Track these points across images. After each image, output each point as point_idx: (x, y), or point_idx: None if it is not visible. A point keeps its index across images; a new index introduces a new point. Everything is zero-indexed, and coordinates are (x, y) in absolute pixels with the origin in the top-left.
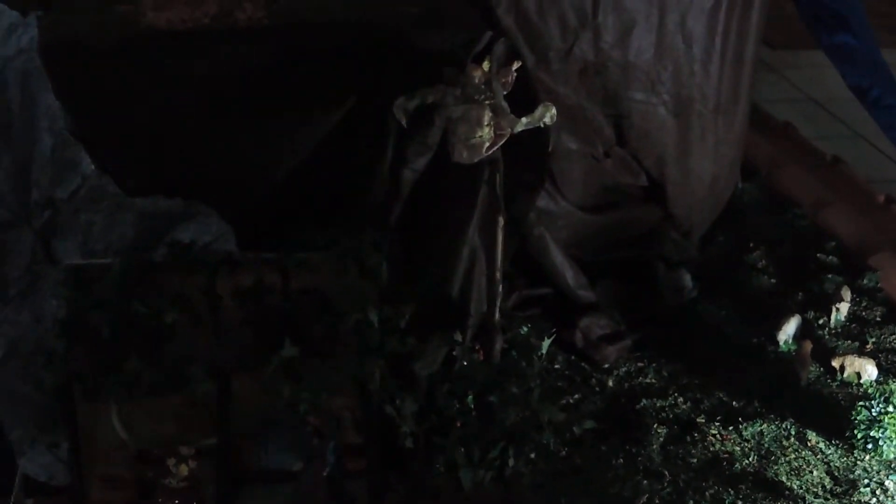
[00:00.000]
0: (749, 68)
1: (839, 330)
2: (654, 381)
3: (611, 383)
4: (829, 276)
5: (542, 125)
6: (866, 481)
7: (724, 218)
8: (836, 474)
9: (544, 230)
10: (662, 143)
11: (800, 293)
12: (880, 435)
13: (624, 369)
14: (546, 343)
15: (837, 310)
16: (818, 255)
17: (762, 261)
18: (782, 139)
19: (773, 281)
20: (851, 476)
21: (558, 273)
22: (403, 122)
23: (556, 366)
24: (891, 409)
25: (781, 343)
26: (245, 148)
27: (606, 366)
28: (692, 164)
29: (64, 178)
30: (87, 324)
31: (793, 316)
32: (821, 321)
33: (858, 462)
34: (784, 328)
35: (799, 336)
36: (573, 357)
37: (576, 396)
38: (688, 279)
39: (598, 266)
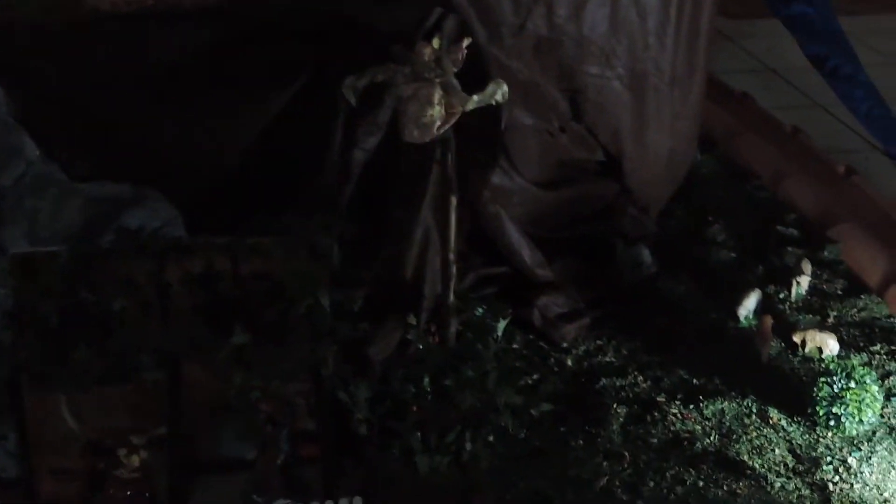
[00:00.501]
0: (704, 40)
1: (800, 304)
2: (613, 359)
3: (570, 363)
4: (790, 248)
5: (493, 102)
6: (829, 458)
7: (683, 191)
8: (799, 452)
9: (500, 208)
10: (618, 117)
11: (760, 267)
12: (842, 411)
13: (583, 348)
14: (502, 324)
15: (798, 283)
16: (778, 227)
17: (721, 234)
18: (740, 109)
19: (732, 255)
20: (814, 454)
21: (514, 251)
22: (353, 101)
23: (514, 346)
24: (852, 384)
25: (742, 318)
26: (192, 130)
27: (565, 345)
28: (649, 137)
29: (8, 164)
30: (34, 313)
31: (752, 291)
32: (781, 295)
33: (821, 439)
34: (744, 303)
35: (759, 311)
36: (531, 336)
37: (534, 377)
38: (646, 255)
39: (556, 243)
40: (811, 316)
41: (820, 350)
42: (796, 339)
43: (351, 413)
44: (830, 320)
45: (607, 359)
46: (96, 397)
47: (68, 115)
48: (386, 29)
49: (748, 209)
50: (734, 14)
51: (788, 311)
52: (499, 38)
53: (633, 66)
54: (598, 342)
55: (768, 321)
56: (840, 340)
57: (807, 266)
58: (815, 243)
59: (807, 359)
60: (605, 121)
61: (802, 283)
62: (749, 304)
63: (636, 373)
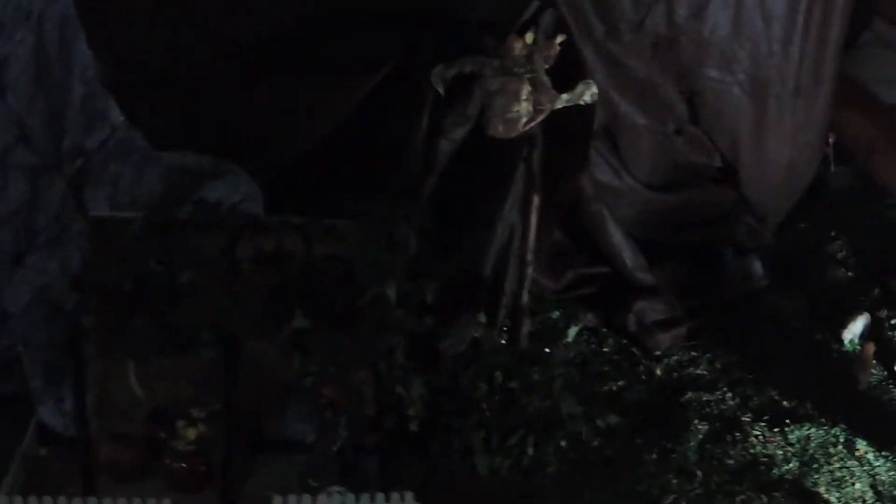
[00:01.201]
0: (833, 50)
1: None
2: (704, 372)
3: (659, 372)
4: None
5: (582, 103)
6: None
7: (809, 204)
8: (880, 489)
9: (603, 207)
10: (736, 123)
11: (876, 290)
12: None
13: (675, 357)
14: (574, 330)
15: None
16: None
17: (842, 252)
18: (886, 124)
19: (850, 275)
20: None
21: (615, 252)
22: (441, 90)
23: (605, 349)
24: None
25: (846, 342)
26: (278, 108)
27: (658, 353)
28: (768, 147)
29: (94, 127)
30: (102, 278)
31: (861, 314)
32: (893, 321)
33: None
34: (850, 326)
35: (866, 336)
36: (625, 341)
37: (619, 383)
38: (758, 267)
39: (665, 247)
40: None
41: None
42: None
43: (405, 409)
44: None
45: (698, 371)
46: (164, 367)
47: (153, 83)
48: (480, 20)
49: (876, 229)
50: None
51: None
52: (617, 34)
53: (755, 72)
54: (693, 353)
55: (871, 348)
56: None
57: None
58: None
59: None
60: (722, 127)
61: None
62: (855, 328)
63: (725, 389)
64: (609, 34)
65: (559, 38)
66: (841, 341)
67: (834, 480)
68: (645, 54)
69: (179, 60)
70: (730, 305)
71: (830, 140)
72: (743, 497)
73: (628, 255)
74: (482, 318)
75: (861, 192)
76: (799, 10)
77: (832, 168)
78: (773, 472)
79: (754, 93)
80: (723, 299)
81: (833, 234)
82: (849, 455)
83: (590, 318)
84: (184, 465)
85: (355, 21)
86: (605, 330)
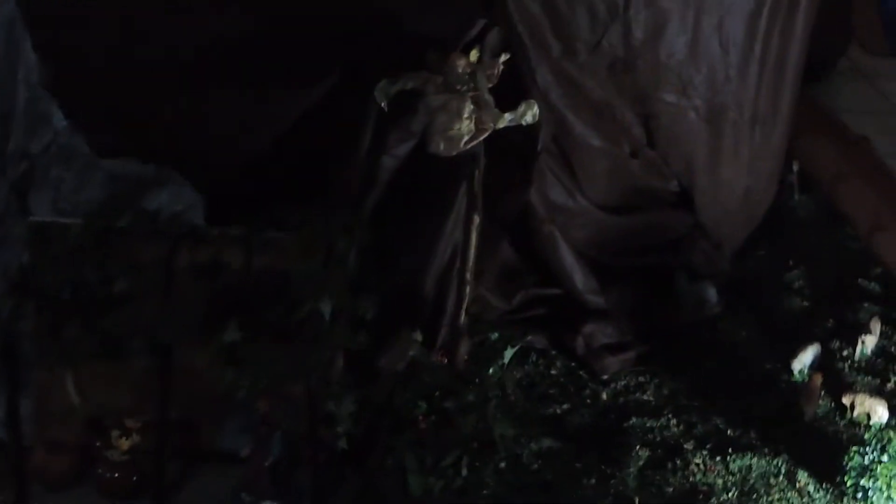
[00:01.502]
0: (792, 78)
1: (863, 364)
2: (651, 398)
3: (605, 396)
4: (866, 304)
5: (523, 123)
6: None
7: (770, 231)
8: None
9: (555, 228)
10: (692, 148)
11: (831, 320)
12: (870, 485)
13: (623, 382)
14: (510, 352)
15: (863, 343)
16: (860, 280)
17: (799, 281)
18: (852, 153)
19: (805, 304)
20: None
21: (566, 274)
22: (384, 105)
23: (553, 371)
24: (885, 458)
25: (795, 372)
26: (221, 116)
27: (605, 377)
28: (723, 173)
29: (37, 131)
30: (38, 284)
31: (811, 344)
32: (845, 352)
33: None
34: (800, 356)
35: (816, 366)
36: (573, 364)
37: (564, 406)
38: (712, 293)
39: (618, 270)
40: (871, 378)
41: (868, 416)
42: (846, 401)
43: (334, 425)
44: (891, 384)
45: (645, 397)
46: (102, 375)
47: (97, 89)
48: (427, 35)
49: (835, 258)
50: (876, 50)
51: (848, 371)
52: (573, 53)
53: (711, 98)
54: (640, 378)
55: (818, 379)
56: (894, 408)
57: (875, 326)
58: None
59: (854, 423)
60: (678, 151)
61: (868, 343)
62: (805, 358)
63: (670, 415)
64: (565, 54)
65: (503, 57)
66: (790, 371)
67: None
68: (601, 75)
69: (124, 68)
70: (682, 331)
71: (795, 168)
72: None
73: (579, 277)
74: (419, 336)
75: (824, 222)
76: (757, 38)
77: (796, 196)
78: (712, 500)
79: (710, 118)
80: (675, 325)
81: (791, 262)
82: (790, 486)
83: (539, 340)
84: (117, 474)
85: (299, 34)
86: (553, 352)
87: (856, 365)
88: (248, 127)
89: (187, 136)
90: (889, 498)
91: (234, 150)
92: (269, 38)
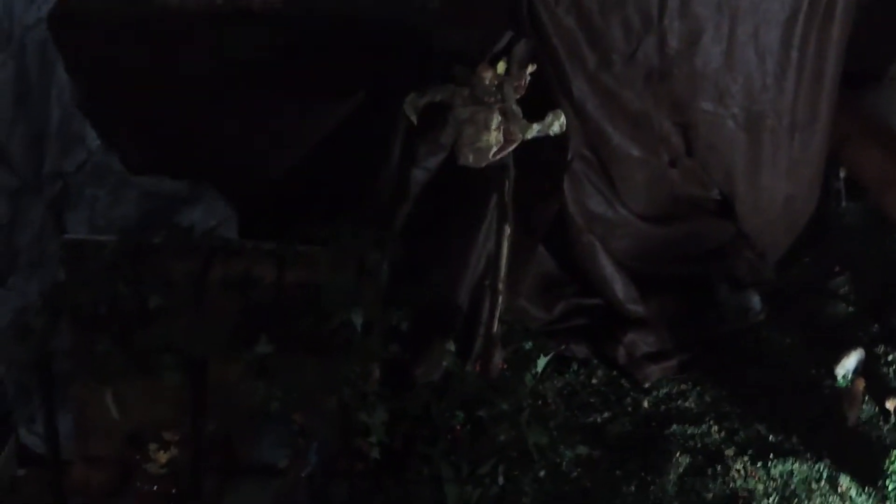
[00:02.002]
0: (830, 84)
1: None
2: (692, 405)
3: (646, 404)
4: None
5: (551, 133)
6: None
7: (816, 239)
8: None
9: (594, 238)
10: (731, 157)
11: (875, 325)
12: None
13: (664, 390)
14: (542, 361)
15: None
16: None
17: (844, 287)
18: None
19: (850, 310)
20: None
21: (606, 284)
22: (413, 119)
23: (594, 380)
24: None
25: (839, 378)
26: (251, 134)
27: (647, 385)
28: (763, 181)
29: (71, 150)
30: (71, 300)
31: (855, 350)
32: (890, 357)
33: None
34: (843, 362)
35: (859, 372)
36: (614, 373)
37: (605, 415)
38: (756, 301)
39: (658, 280)
40: None
41: None
42: (889, 405)
43: (366, 436)
44: None
45: (686, 404)
46: (141, 390)
47: (129, 107)
48: (454, 49)
49: (881, 265)
50: None
51: (892, 376)
52: (609, 64)
53: (749, 106)
54: (682, 386)
55: (860, 384)
56: None
57: None
58: None
59: None
60: (717, 160)
61: None
62: (848, 364)
63: (712, 422)
64: (601, 65)
65: (530, 68)
66: (834, 376)
67: None
68: (638, 86)
69: (155, 86)
70: (724, 339)
71: (842, 175)
72: None
73: (620, 286)
74: (452, 346)
75: (871, 229)
76: (793, 45)
77: (843, 203)
78: None
79: (749, 126)
80: (718, 333)
81: (837, 269)
82: (831, 491)
83: (580, 350)
84: (155, 487)
85: (328, 50)
86: (595, 361)
87: None
88: (279, 142)
89: (219, 152)
90: None
91: (266, 166)
92: (300, 54)
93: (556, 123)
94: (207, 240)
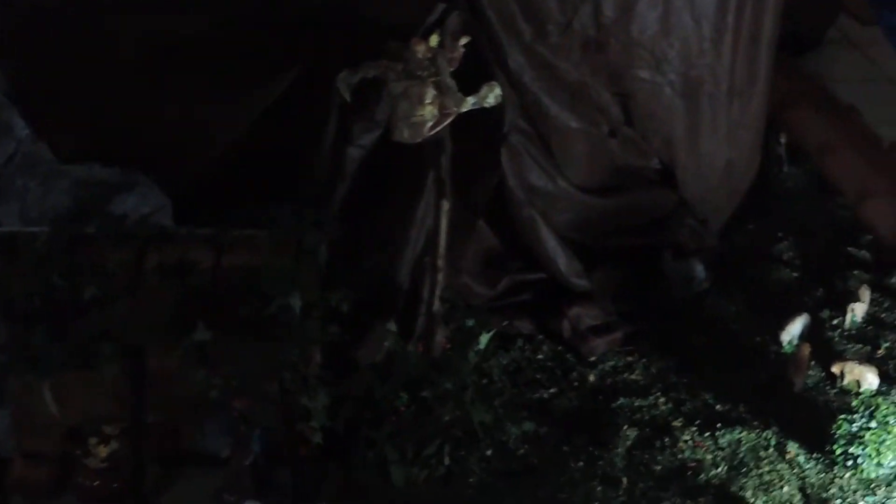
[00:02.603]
0: (767, 47)
1: (853, 332)
2: (639, 377)
3: (592, 378)
4: (856, 272)
5: (486, 105)
6: (839, 501)
7: (758, 204)
8: (809, 491)
9: (534, 212)
10: (670, 124)
11: (820, 290)
12: (860, 451)
13: (610, 363)
14: (485, 337)
15: (853, 311)
16: (849, 249)
17: (788, 253)
18: (841, 123)
19: (794, 275)
20: (825, 494)
21: (549, 258)
22: (347, 96)
23: (539, 356)
24: (874, 424)
25: (785, 344)
26: (184, 116)
27: (593, 359)
28: (703, 147)
29: (0, 141)
30: (6, 295)
31: (800, 315)
32: (835, 322)
33: (836, 479)
34: (788, 328)
35: (805, 337)
36: (560, 347)
37: (551, 391)
38: (699, 269)
39: (602, 252)
40: (861, 346)
41: (858, 383)
42: (835, 370)
43: (307, 420)
44: (881, 351)
45: (633, 377)
46: (79, 383)
47: (58, 95)
48: (386, 23)
49: (825, 228)
50: (867, 20)
51: (838, 339)
52: (545, 35)
53: (686, 72)
54: (629, 358)
55: (806, 349)
56: (885, 375)
57: (865, 293)
58: (886, 269)
59: (844, 391)
60: (655, 128)
61: (857, 311)
62: (793, 329)
63: (658, 394)
64: (537, 36)
65: (463, 41)
66: (779, 343)
67: (762, 484)
68: (574, 56)
69: (84, 71)
70: (670, 309)
71: (783, 139)
72: (668, 503)
73: (563, 260)
74: (393, 327)
75: (813, 192)
76: (729, 9)
77: (785, 168)
78: (701, 477)
79: (687, 93)
80: (662, 303)
81: (780, 234)
82: (779, 458)
83: (525, 325)
84: (97, 482)
85: (258, 29)
86: (540, 337)
87: (845, 333)
88: (212, 126)
89: (152, 137)
90: (879, 464)
91: (200, 150)
92: (228, 35)
93: (491, 95)
94: (142, 227)
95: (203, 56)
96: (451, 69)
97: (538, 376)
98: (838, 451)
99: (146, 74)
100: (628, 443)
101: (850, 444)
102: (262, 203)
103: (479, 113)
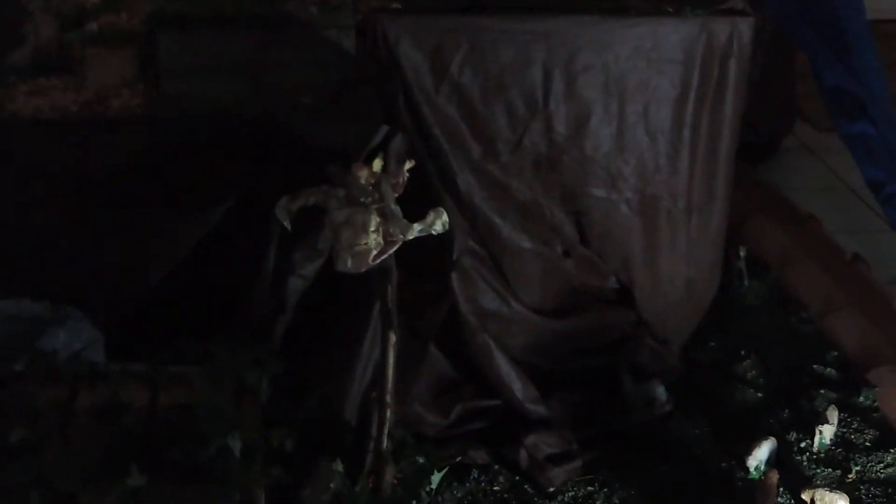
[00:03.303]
0: (725, 163)
1: (822, 455)
2: None
3: None
4: (822, 391)
5: (433, 232)
6: None
7: (721, 321)
8: None
9: (488, 337)
10: (627, 243)
11: (786, 411)
12: None
13: (570, 493)
14: (437, 476)
15: (821, 433)
16: (815, 367)
17: (752, 371)
18: (801, 233)
19: (759, 395)
20: None
21: (504, 384)
22: (287, 224)
23: (496, 487)
24: None
25: (752, 470)
26: (115, 248)
27: (551, 489)
28: (662, 266)
29: None
30: None
31: (766, 439)
32: (803, 444)
33: None
34: (755, 453)
35: (773, 462)
36: (517, 478)
37: None
38: (661, 392)
39: (560, 376)
40: (830, 470)
41: None
42: (805, 497)
43: None
44: (852, 476)
45: None
46: None
47: None
48: (328, 147)
49: (788, 344)
50: (824, 127)
51: (807, 464)
52: (495, 154)
53: (642, 189)
54: (589, 488)
55: (774, 476)
56: (857, 500)
57: (832, 414)
58: (853, 386)
59: None
60: (612, 246)
61: (826, 433)
62: (760, 454)
63: None
64: (486, 155)
65: (408, 164)
66: (746, 468)
67: None
68: (526, 174)
69: (8, 205)
70: (631, 434)
71: (742, 254)
72: None
73: (518, 386)
74: (339, 466)
75: (775, 307)
76: (685, 123)
77: (745, 282)
78: None
79: (643, 210)
80: (623, 428)
81: (743, 352)
82: None
83: (480, 455)
84: None
85: (193, 154)
86: (496, 467)
87: (814, 457)
88: (144, 257)
89: (82, 270)
90: None
91: (133, 282)
92: (164, 161)
93: (439, 222)
94: (73, 365)
95: (135, 182)
96: (396, 195)
97: None
98: None
99: (76, 206)
100: None
101: None
102: (199, 338)
103: (427, 239)
